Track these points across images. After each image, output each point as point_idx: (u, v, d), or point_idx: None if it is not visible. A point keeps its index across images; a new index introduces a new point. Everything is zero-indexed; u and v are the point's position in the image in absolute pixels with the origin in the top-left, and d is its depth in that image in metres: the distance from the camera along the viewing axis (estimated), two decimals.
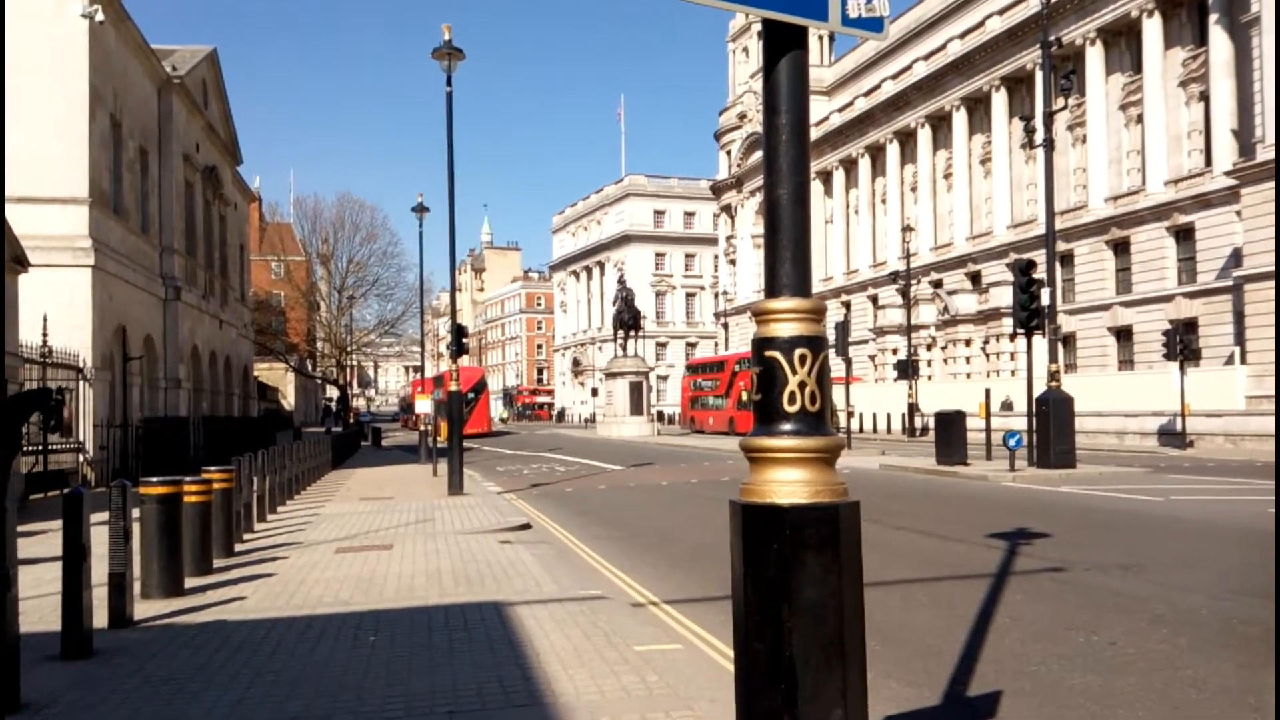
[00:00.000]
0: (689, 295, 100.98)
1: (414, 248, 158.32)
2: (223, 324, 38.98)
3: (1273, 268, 33.32)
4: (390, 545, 11.44)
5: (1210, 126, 39.97)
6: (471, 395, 54.21)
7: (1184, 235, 41.00)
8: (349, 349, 64.30)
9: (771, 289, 2.75)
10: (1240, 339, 35.88)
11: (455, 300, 21.77)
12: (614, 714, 4.95)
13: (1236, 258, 36.33)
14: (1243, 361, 34.96)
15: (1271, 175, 33.42)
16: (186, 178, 33.81)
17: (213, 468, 11.31)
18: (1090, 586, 8.50)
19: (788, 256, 2.72)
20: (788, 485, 2.63)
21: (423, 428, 30.54)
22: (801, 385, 2.66)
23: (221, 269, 40.00)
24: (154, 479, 8.70)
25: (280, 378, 73.51)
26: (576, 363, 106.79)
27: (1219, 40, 38.88)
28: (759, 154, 63.93)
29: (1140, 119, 43.69)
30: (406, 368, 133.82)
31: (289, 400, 76.66)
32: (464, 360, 22.64)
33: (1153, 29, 42.36)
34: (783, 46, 2.64)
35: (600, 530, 13.54)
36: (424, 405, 28.48)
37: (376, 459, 33.26)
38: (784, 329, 2.68)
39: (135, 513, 7.96)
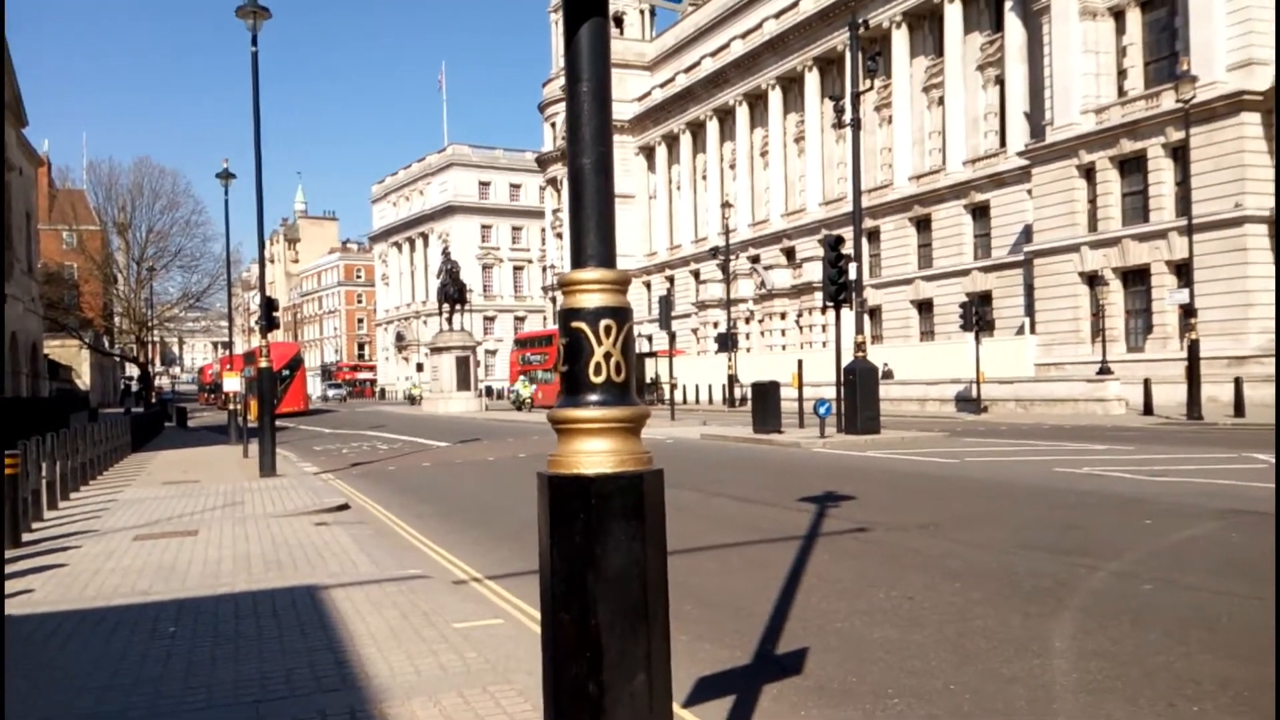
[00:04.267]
0: (516, 268, 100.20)
1: (220, 216, 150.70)
2: (7, 298, 36.00)
3: (1059, 244, 35.94)
4: (195, 531, 10.89)
5: (1005, 109, 42.67)
6: (286, 372, 52.21)
7: (980, 213, 43.68)
8: (150, 324, 60.54)
9: (577, 260, 2.73)
10: (1030, 310, 38.58)
11: (265, 272, 20.82)
12: (430, 693, 4.88)
13: (1027, 234, 38.96)
14: (1032, 331, 37.65)
15: (1058, 155, 35.96)
16: None
17: None
18: (891, 545, 8.98)
19: (592, 227, 2.71)
20: (594, 455, 2.63)
21: (232, 407, 29.17)
22: (607, 356, 2.65)
23: (5, 239, 36.87)
24: None
25: (74, 355, 68.54)
26: (400, 337, 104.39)
27: (1014, 26, 41.45)
28: None
29: (942, 101, 46.14)
30: (215, 343, 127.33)
31: (84, 380, 71.63)
32: (278, 335, 21.69)
33: (954, 14, 44.72)
34: (584, 13, 2.61)
35: (423, 508, 13.31)
36: (232, 383, 27.16)
37: (182, 440, 31.57)
38: (589, 300, 2.67)
39: None
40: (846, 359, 22.70)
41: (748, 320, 55.84)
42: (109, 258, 63.30)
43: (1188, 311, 26.63)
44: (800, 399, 24.64)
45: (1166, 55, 33.43)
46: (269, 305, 19.60)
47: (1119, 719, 4.48)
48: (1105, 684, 4.94)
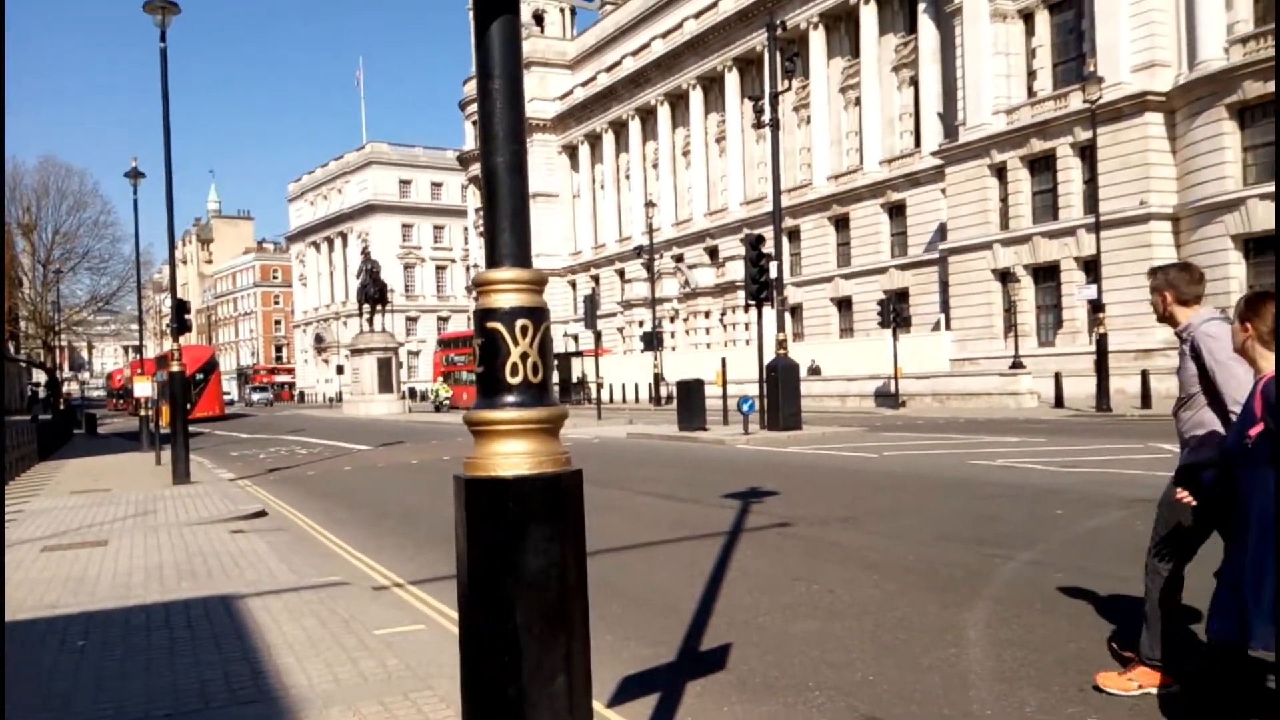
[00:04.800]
0: (439, 268, 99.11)
1: (130, 217, 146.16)
2: None
3: (972, 241, 36.80)
4: (105, 541, 10.54)
5: (920, 109, 43.52)
6: (200, 376, 51.02)
7: (897, 211, 44.52)
8: (57, 328, 58.50)
9: (492, 259, 2.71)
10: (945, 307, 39.44)
11: (175, 273, 20.24)
12: (349, 702, 4.80)
13: (942, 232, 39.82)
14: (947, 327, 38.49)
15: (971, 155, 36.80)
16: None
17: None
18: (812, 539, 9.11)
19: (506, 226, 2.69)
20: (511, 457, 2.61)
21: (143, 413, 28.30)
22: (524, 356, 2.64)
23: None
24: None
25: None
26: (319, 339, 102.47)
27: (927, 28, 42.32)
28: None
29: (859, 101, 46.90)
30: (125, 347, 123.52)
31: None
32: (191, 339, 21.11)
33: (869, 15, 45.48)
34: (494, 10, 2.59)
35: (343, 514, 13.08)
36: (144, 388, 26.34)
37: (92, 448, 30.56)
38: (505, 300, 2.65)
39: None
40: (769, 356, 22.95)
41: (673, 319, 56.10)
42: (13, 260, 60.96)
43: (1096, 307, 27.48)
44: (724, 396, 24.85)
45: (1074, 57, 34.47)
46: (180, 307, 19.10)
47: (1033, 705, 4.60)
48: (1019, 671, 5.07)
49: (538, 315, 2.68)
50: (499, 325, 2.64)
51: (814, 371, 38.74)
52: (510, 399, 2.63)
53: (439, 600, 7.35)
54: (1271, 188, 28.12)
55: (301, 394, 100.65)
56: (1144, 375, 26.51)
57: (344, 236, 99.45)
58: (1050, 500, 10.68)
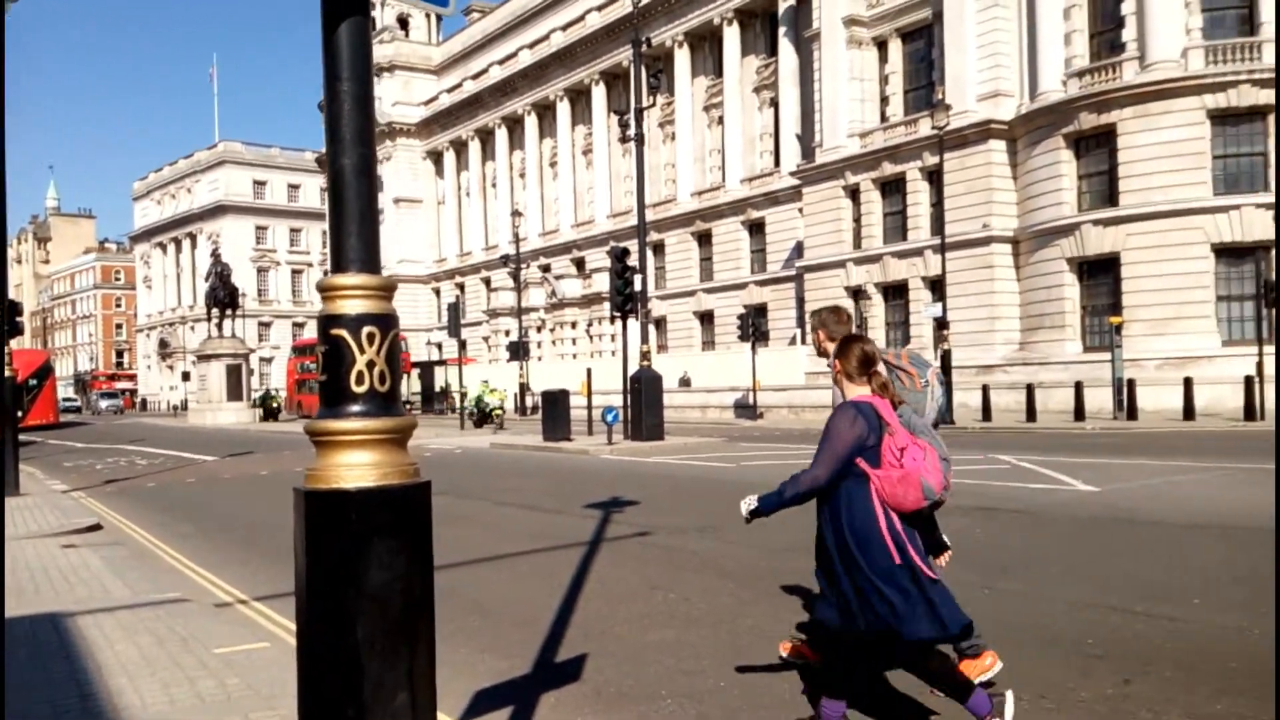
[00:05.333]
0: (295, 272, 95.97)
1: None
2: None
3: (826, 259, 37.94)
4: None
5: (779, 130, 44.70)
6: (34, 382, 48.06)
7: (757, 229, 45.57)
8: None
9: (338, 264, 2.64)
10: (801, 322, 40.54)
11: (7, 273, 18.98)
12: None
13: (799, 250, 40.94)
14: (803, 342, 39.56)
15: (826, 176, 37.97)
16: None
17: None
18: (671, 548, 9.20)
19: (354, 230, 2.63)
20: (356, 469, 2.54)
21: None
22: (370, 365, 2.57)
23: None
24: None
25: None
26: (164, 344, 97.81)
27: (787, 52, 43.53)
28: None
29: (721, 120, 47.85)
30: None
31: None
32: (24, 342, 19.85)
33: (732, 37, 46.48)
34: (342, 11, 2.53)
35: (186, 528, 12.50)
36: None
37: None
38: (351, 305, 2.58)
39: None
40: (633, 368, 23.10)
41: (539, 329, 55.89)
42: None
43: (941, 324, 28.73)
44: (589, 407, 24.90)
45: (925, 84, 36.02)
46: (11, 309, 17.96)
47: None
48: None
49: (385, 322, 2.62)
50: (344, 332, 2.57)
51: (685, 383, 39.23)
52: (355, 408, 2.56)
53: (284, 616, 7.10)
54: (1104, 214, 29.99)
55: (144, 401, 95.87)
56: (985, 390, 27.80)
57: (193, 238, 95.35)
58: None
